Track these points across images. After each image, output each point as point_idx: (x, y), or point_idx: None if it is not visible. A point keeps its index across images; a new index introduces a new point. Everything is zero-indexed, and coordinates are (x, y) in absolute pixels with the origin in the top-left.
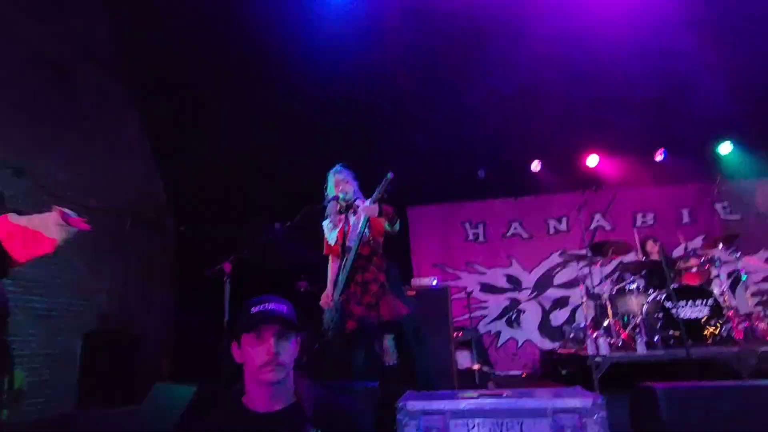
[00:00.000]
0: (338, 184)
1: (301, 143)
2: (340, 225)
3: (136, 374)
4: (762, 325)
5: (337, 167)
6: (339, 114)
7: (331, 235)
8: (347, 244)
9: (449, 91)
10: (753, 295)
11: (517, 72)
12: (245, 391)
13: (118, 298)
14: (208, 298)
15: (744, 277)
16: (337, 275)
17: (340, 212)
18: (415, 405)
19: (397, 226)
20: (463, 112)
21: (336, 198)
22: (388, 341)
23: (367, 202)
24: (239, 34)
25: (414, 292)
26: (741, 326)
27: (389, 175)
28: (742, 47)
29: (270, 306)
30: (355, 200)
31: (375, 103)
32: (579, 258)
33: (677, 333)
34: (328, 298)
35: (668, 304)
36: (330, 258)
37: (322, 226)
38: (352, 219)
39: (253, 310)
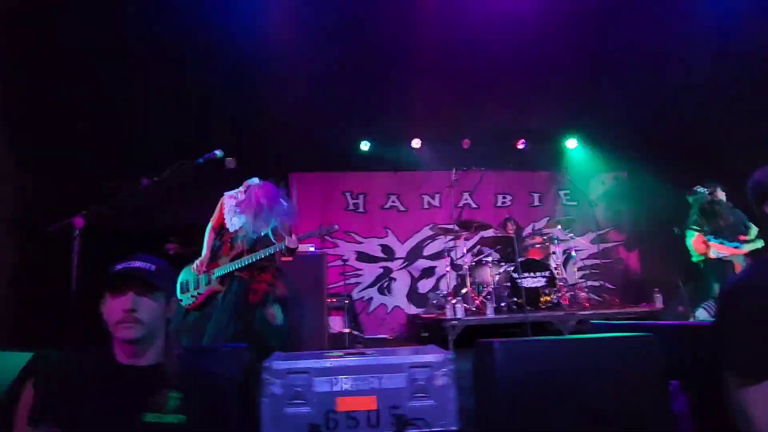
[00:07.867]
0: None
1: (180, 93)
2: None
3: None
4: (582, 294)
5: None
6: (222, 72)
7: (232, 221)
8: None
9: (335, 61)
10: (579, 269)
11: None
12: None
13: None
14: (53, 257)
15: (573, 255)
16: (216, 248)
17: None
18: (280, 364)
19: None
20: (348, 82)
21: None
22: (276, 309)
23: (302, 237)
24: None
25: (291, 258)
26: (568, 294)
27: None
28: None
29: (135, 264)
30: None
31: (260, 63)
32: (447, 232)
33: (520, 300)
34: (202, 266)
35: (515, 275)
36: (209, 227)
37: (222, 196)
38: None
39: (117, 267)
